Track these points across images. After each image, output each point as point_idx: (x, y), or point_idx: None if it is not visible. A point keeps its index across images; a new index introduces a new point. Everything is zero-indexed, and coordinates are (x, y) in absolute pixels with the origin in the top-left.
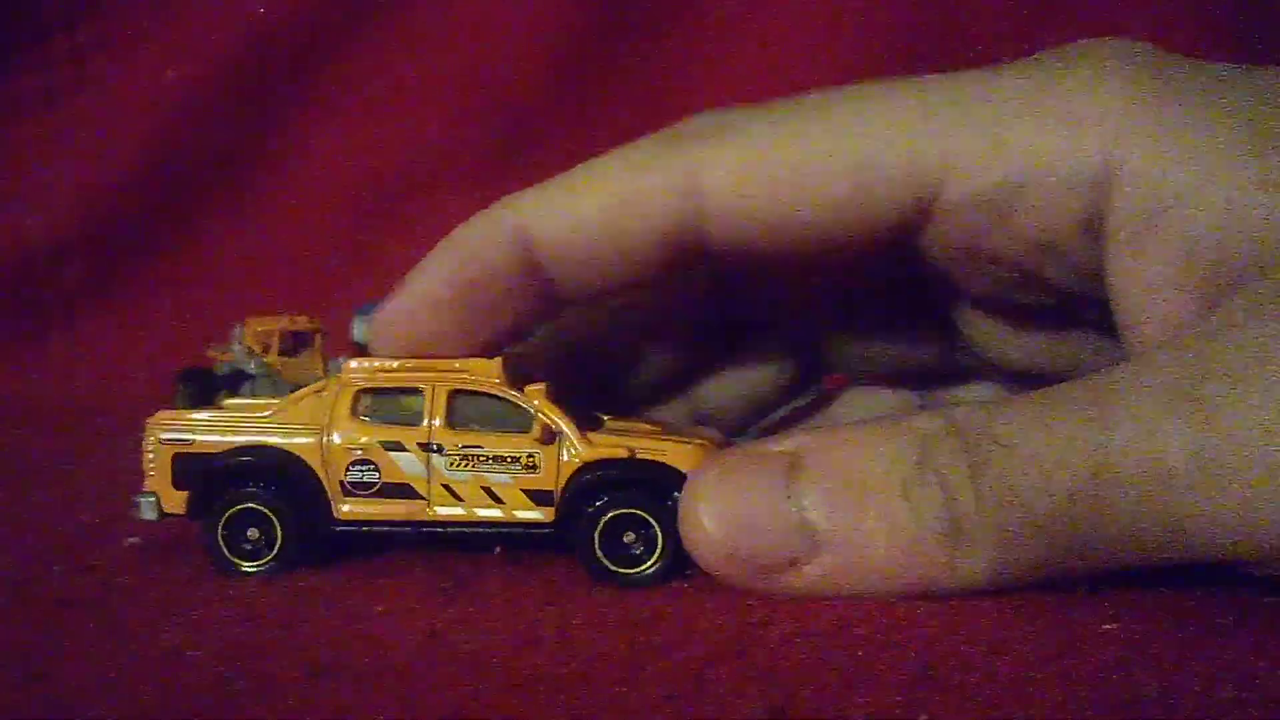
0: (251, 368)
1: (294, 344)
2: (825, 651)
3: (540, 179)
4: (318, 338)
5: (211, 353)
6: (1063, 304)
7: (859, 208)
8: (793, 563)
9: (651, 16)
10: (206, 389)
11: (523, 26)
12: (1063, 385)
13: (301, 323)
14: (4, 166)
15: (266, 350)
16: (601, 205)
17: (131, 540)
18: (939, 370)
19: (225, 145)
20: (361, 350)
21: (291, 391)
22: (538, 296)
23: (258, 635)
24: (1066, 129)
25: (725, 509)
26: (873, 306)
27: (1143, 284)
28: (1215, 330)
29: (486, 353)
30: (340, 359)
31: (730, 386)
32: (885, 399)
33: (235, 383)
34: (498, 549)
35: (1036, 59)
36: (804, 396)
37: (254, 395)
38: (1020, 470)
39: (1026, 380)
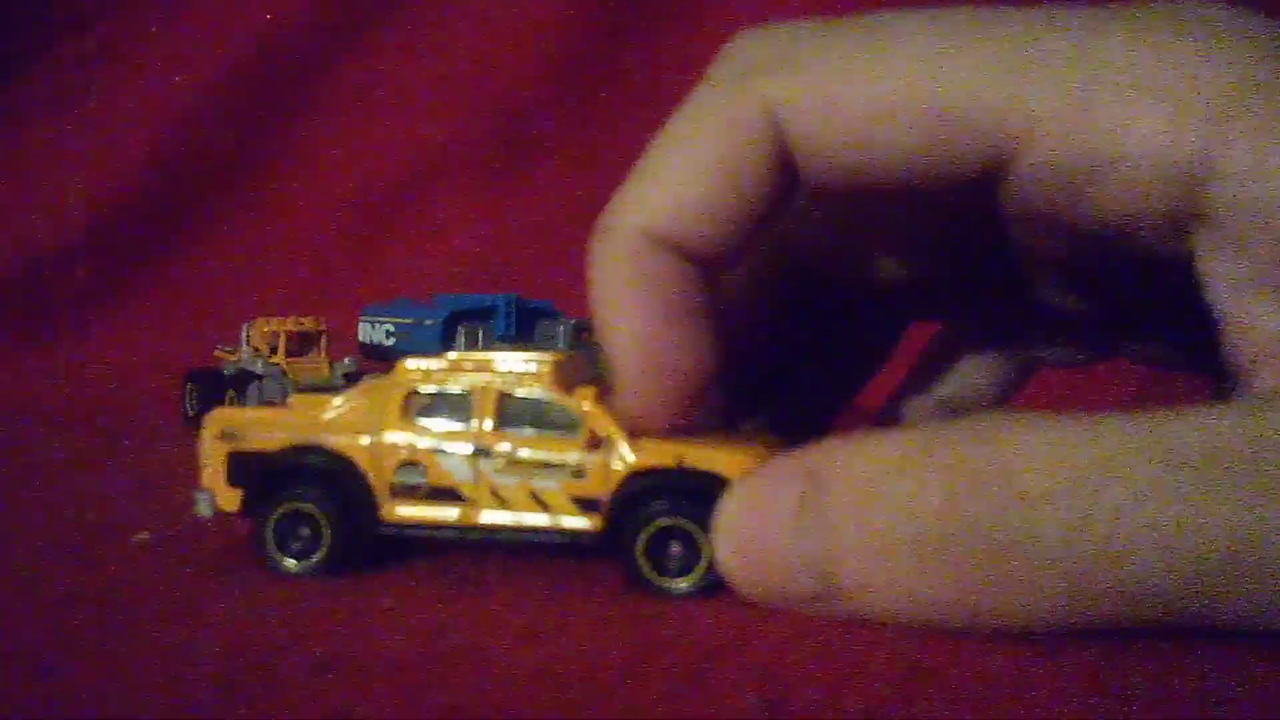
0: (258, 368)
1: (300, 345)
2: (822, 649)
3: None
4: (323, 338)
5: (219, 354)
6: (1143, 282)
7: (931, 157)
8: (814, 599)
9: (651, 16)
10: (214, 390)
11: (523, 28)
12: (1124, 436)
13: (307, 324)
14: (13, 171)
15: (273, 351)
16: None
17: (138, 537)
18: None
19: (231, 149)
20: (368, 351)
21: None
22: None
23: (263, 632)
24: (1165, 110)
25: (741, 544)
26: (959, 251)
27: (1236, 290)
28: None
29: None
30: (347, 359)
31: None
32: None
33: (242, 383)
34: None
35: (1144, 15)
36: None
37: (260, 396)
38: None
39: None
